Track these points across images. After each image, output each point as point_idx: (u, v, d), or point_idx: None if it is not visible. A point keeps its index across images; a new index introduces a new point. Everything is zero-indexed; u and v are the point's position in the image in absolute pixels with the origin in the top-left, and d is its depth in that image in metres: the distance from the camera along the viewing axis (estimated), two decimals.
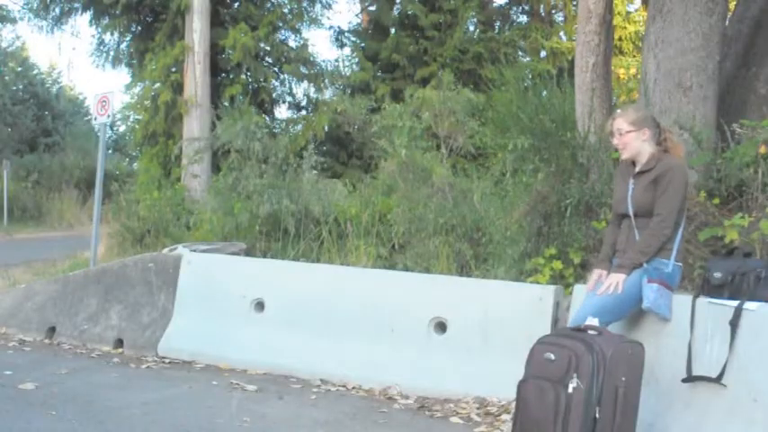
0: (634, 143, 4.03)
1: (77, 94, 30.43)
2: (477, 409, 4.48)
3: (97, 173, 8.53)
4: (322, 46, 59.09)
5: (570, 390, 3.37)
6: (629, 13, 16.14)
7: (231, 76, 14.75)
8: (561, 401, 3.38)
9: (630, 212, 4.00)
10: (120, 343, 5.95)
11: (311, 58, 15.38)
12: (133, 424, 4.11)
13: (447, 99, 8.76)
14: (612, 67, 7.95)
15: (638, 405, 3.52)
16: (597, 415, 3.35)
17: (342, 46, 17.25)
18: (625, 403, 3.42)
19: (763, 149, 5.08)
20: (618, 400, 3.40)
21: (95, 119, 8.76)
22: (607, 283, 3.90)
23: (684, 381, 3.72)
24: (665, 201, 3.88)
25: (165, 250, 6.53)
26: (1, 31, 24.86)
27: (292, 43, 15.77)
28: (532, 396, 3.48)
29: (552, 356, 3.46)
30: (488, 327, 4.77)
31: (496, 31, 16.88)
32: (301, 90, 15.90)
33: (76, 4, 15.13)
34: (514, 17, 17.79)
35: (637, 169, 4.05)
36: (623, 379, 3.42)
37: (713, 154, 5.49)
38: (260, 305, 5.60)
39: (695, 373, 3.69)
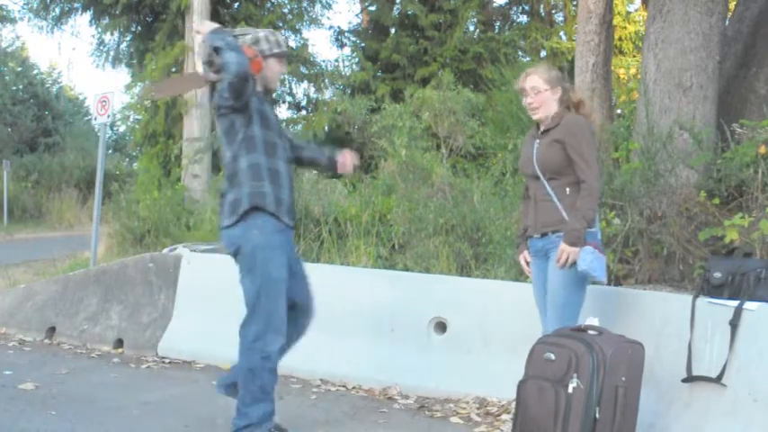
0: (549, 103, 3.86)
1: (77, 94, 30.45)
2: (477, 409, 4.48)
3: (97, 173, 8.52)
4: (322, 46, 59.10)
5: (570, 390, 3.36)
6: (629, 13, 16.13)
7: None
8: (561, 401, 3.37)
9: (539, 173, 3.84)
10: (120, 343, 5.95)
11: (311, 58, 15.39)
12: (133, 424, 4.11)
13: (447, 99, 8.75)
14: (612, 67, 7.95)
15: (638, 405, 3.51)
16: (597, 415, 3.34)
17: (342, 46, 17.26)
18: (625, 403, 3.40)
19: (763, 149, 5.08)
20: (618, 399, 3.39)
21: (95, 119, 8.76)
22: (564, 259, 3.70)
23: (684, 381, 3.72)
24: (584, 164, 3.71)
25: (165, 250, 6.53)
26: (1, 31, 24.89)
27: (292, 43, 15.77)
28: (532, 396, 3.48)
29: (552, 356, 3.46)
30: (488, 327, 4.77)
31: (496, 31, 16.89)
32: (301, 90, 15.92)
33: (76, 4, 15.13)
34: (514, 17, 17.79)
35: (542, 128, 3.92)
36: (623, 379, 3.40)
37: (713, 154, 5.49)
38: None
39: (695, 373, 3.69)
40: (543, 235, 3.84)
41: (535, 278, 3.96)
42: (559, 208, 3.77)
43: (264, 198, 3.65)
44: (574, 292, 3.76)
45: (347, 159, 4.11)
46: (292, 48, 15.36)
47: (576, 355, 3.39)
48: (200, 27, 3.76)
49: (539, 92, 3.86)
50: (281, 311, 3.70)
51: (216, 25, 3.80)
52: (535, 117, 3.92)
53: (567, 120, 3.85)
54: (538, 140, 3.91)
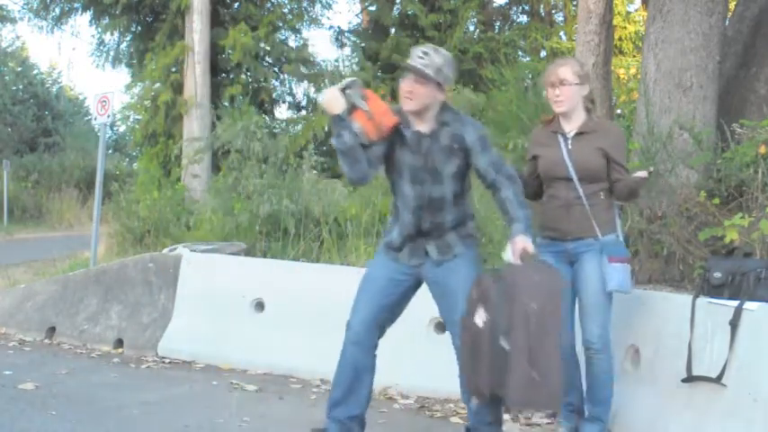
0: (575, 97, 3.77)
1: (77, 94, 30.44)
2: None
3: (97, 173, 8.53)
4: (322, 46, 59.12)
5: (481, 324, 3.28)
6: (629, 13, 16.14)
7: (231, 76, 14.74)
8: (473, 336, 3.30)
9: (573, 175, 3.73)
10: (120, 343, 5.94)
11: (311, 58, 15.38)
12: (133, 424, 4.11)
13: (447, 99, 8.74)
14: (612, 67, 7.95)
15: (563, 334, 3.35)
16: (507, 346, 3.19)
17: (342, 46, 17.25)
18: (539, 332, 3.19)
19: (763, 149, 5.08)
20: (531, 328, 3.19)
21: (95, 119, 8.76)
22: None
23: (684, 381, 3.72)
24: (626, 172, 3.75)
25: (165, 250, 6.53)
26: (1, 31, 24.89)
27: (292, 43, 15.77)
28: (463, 340, 3.44)
29: (474, 294, 3.39)
30: None
31: (496, 31, 16.89)
32: (301, 90, 15.90)
33: (76, 4, 15.12)
34: (514, 17, 17.79)
35: (572, 129, 3.80)
36: (534, 306, 3.23)
37: (713, 154, 5.49)
38: (260, 305, 5.59)
39: (695, 373, 3.69)
40: (576, 239, 3.76)
41: None
42: (589, 214, 3.72)
43: None
44: (610, 296, 3.76)
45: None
46: (292, 48, 15.37)
47: (483, 287, 3.32)
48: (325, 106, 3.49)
49: (568, 84, 3.77)
50: None
51: (337, 109, 3.40)
52: (559, 110, 3.81)
53: (608, 128, 3.85)
54: (569, 141, 3.80)
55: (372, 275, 3.68)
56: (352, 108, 3.39)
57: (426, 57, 3.45)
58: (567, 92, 3.77)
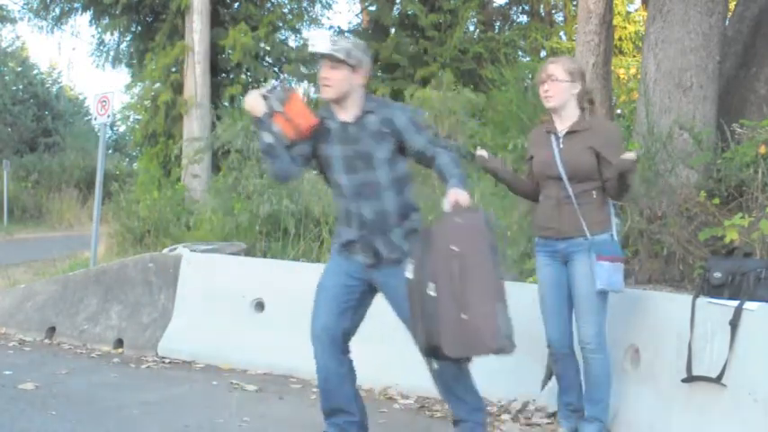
0: (564, 94, 3.77)
1: (77, 94, 30.46)
2: None
3: (97, 173, 8.53)
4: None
5: (410, 274, 3.27)
6: (629, 13, 16.14)
7: (231, 76, 14.75)
8: (406, 287, 3.31)
9: (563, 175, 3.74)
10: (120, 343, 5.94)
11: (311, 58, 15.38)
12: (133, 424, 4.11)
13: (447, 99, 8.77)
14: (612, 67, 7.96)
15: (492, 275, 3.24)
16: (433, 292, 3.16)
17: None
18: (463, 275, 3.15)
19: (763, 149, 5.08)
20: (454, 271, 3.16)
21: (95, 119, 8.77)
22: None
23: (684, 381, 3.72)
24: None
25: (165, 250, 6.54)
26: (1, 31, 24.89)
27: (292, 43, 15.79)
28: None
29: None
30: None
31: (496, 31, 16.89)
32: (301, 90, 15.90)
33: (76, 4, 15.13)
34: (514, 17, 17.80)
35: (563, 128, 3.81)
36: (456, 249, 3.18)
37: (713, 154, 5.49)
38: (260, 305, 5.59)
39: (695, 373, 3.68)
40: (566, 238, 3.76)
41: (547, 281, 3.88)
42: (578, 213, 3.71)
43: None
44: (604, 296, 3.75)
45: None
46: (292, 48, 15.36)
47: (412, 242, 3.35)
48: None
49: (556, 80, 3.78)
50: None
51: (258, 112, 3.52)
52: (548, 105, 3.83)
53: (602, 126, 3.81)
54: (560, 140, 3.81)
55: (325, 284, 3.68)
56: (272, 111, 3.51)
57: (334, 42, 3.52)
58: (555, 88, 3.78)
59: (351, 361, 3.73)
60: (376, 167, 3.50)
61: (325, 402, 3.68)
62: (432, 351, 3.31)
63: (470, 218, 3.27)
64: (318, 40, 3.52)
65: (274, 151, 3.52)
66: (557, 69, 3.80)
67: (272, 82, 3.66)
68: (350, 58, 3.47)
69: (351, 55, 3.48)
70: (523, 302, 4.33)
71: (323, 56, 3.49)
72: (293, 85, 15.74)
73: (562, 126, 3.83)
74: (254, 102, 3.53)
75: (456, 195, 3.30)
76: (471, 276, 3.17)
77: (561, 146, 3.80)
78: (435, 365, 3.52)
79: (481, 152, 4.01)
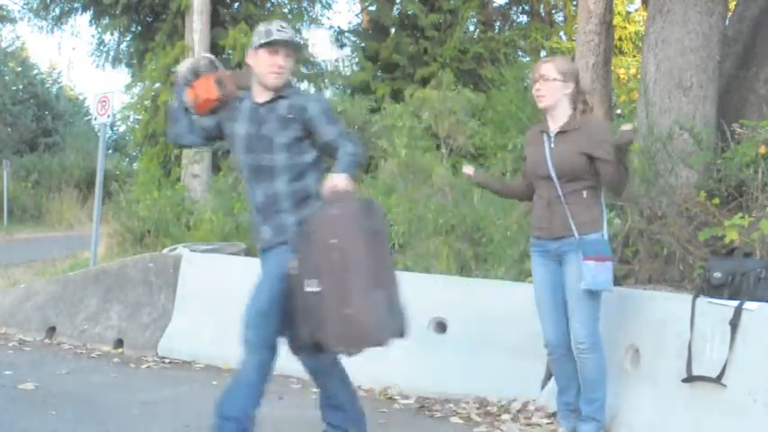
0: (556, 93, 3.78)
1: (77, 94, 30.46)
2: (477, 409, 4.47)
3: (97, 173, 8.53)
4: (322, 46, 59.08)
5: (294, 271, 3.27)
6: (629, 13, 16.15)
7: None
8: (288, 285, 3.30)
9: (553, 175, 3.75)
10: (120, 343, 5.95)
11: (311, 58, 15.39)
12: (133, 424, 4.12)
13: (447, 99, 8.77)
14: (612, 67, 7.96)
15: (372, 264, 3.20)
16: (315, 288, 3.16)
17: (342, 46, 17.26)
18: (344, 267, 3.13)
19: (763, 149, 5.08)
20: (334, 265, 3.14)
21: (95, 119, 8.77)
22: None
23: (684, 381, 3.72)
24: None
25: (165, 250, 6.54)
26: (1, 31, 24.89)
27: None
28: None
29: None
30: (488, 327, 4.77)
31: (496, 31, 16.89)
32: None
33: (76, 4, 15.12)
34: (514, 17, 17.81)
35: (555, 127, 3.82)
36: (333, 241, 3.15)
37: (713, 154, 5.49)
38: None
39: (695, 373, 3.69)
40: (557, 238, 3.77)
41: (542, 280, 3.89)
42: (567, 212, 3.72)
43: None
44: (596, 295, 3.75)
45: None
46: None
47: (292, 236, 3.37)
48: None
49: (548, 80, 3.79)
50: None
51: (180, 77, 3.70)
52: (540, 105, 3.84)
53: (590, 125, 3.80)
54: (552, 140, 3.82)
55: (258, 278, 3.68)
56: (187, 80, 3.70)
57: (287, 29, 3.56)
58: (547, 87, 3.79)
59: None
60: (274, 151, 3.49)
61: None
62: (316, 346, 3.31)
63: (346, 207, 3.21)
64: (281, 28, 3.54)
65: (175, 114, 3.72)
66: (549, 69, 3.81)
67: (207, 55, 3.79)
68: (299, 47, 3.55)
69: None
70: (523, 302, 4.34)
71: (285, 44, 3.50)
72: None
73: (554, 126, 3.85)
74: (182, 66, 3.74)
75: (334, 181, 3.27)
76: (351, 269, 3.14)
77: (552, 145, 3.81)
78: (311, 359, 3.52)
79: (467, 170, 4.09)
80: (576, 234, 3.71)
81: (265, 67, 3.48)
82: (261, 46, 3.48)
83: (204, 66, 3.71)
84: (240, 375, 3.54)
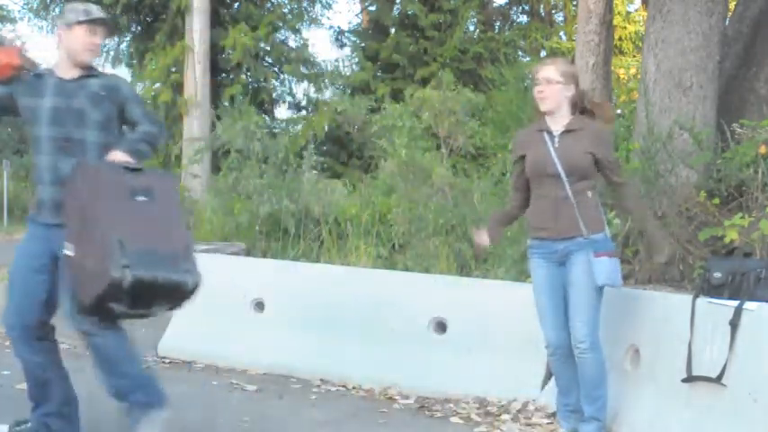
0: (558, 96, 3.80)
1: None
2: (477, 409, 4.47)
3: None
4: (322, 46, 59.09)
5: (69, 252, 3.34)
6: (629, 13, 16.16)
7: (231, 76, 14.76)
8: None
9: (561, 173, 3.75)
10: None
11: (311, 58, 15.40)
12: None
13: (447, 99, 8.76)
14: (612, 67, 7.96)
15: (105, 218, 3.30)
16: (71, 252, 3.27)
17: (342, 46, 17.28)
18: (84, 221, 3.27)
19: (763, 149, 5.09)
20: (77, 223, 3.29)
21: None
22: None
23: (684, 381, 3.72)
24: (617, 168, 3.89)
25: None
26: (1, 31, 24.87)
27: (292, 43, 15.79)
28: None
29: None
30: (488, 327, 4.77)
31: (496, 31, 16.90)
32: (301, 90, 15.91)
33: None
34: (514, 17, 17.82)
35: (559, 128, 3.83)
36: (76, 203, 3.29)
37: (713, 154, 5.50)
38: (260, 305, 5.59)
39: (695, 373, 3.68)
40: (565, 238, 3.77)
41: (544, 282, 3.87)
42: (576, 211, 3.74)
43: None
44: (599, 295, 3.78)
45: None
46: (292, 48, 15.33)
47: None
48: None
49: (550, 82, 3.80)
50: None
51: None
52: (543, 108, 3.85)
53: (596, 130, 3.84)
54: (555, 139, 3.81)
55: (13, 273, 3.65)
56: None
57: (93, 6, 3.65)
58: (549, 90, 3.81)
59: (50, 346, 3.80)
60: (87, 126, 3.53)
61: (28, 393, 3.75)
62: (84, 310, 3.37)
63: (96, 170, 3.36)
64: (92, 8, 3.63)
65: None
66: (551, 72, 3.82)
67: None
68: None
69: None
70: (523, 302, 4.35)
71: (103, 22, 3.60)
72: (293, 85, 15.76)
73: (557, 126, 3.85)
74: None
75: (114, 154, 3.40)
76: (89, 222, 3.26)
77: (557, 144, 3.81)
78: (95, 335, 3.57)
79: (481, 241, 4.11)
80: (585, 233, 3.73)
81: (81, 45, 3.54)
82: (79, 23, 3.54)
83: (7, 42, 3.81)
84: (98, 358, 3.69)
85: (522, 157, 3.94)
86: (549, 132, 3.85)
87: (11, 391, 4.59)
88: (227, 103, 13.20)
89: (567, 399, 3.95)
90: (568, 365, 3.88)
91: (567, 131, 3.82)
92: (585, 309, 3.74)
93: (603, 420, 3.85)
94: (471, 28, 16.36)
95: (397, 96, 12.02)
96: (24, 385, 4.69)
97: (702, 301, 3.80)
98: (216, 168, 12.05)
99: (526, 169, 3.92)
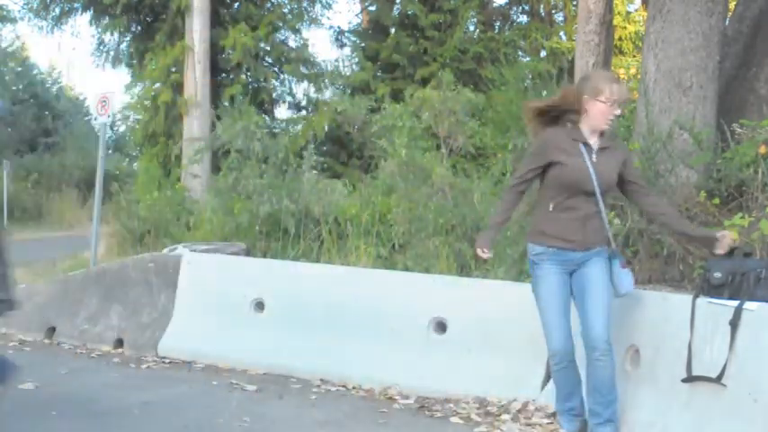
0: None
1: (77, 94, 30.45)
2: (477, 409, 4.47)
3: (97, 173, 8.53)
4: (322, 46, 59.11)
5: None
6: (629, 13, 16.15)
7: (231, 76, 14.75)
8: None
9: (597, 190, 3.77)
10: (120, 343, 5.94)
11: (311, 58, 15.39)
12: (133, 424, 4.11)
13: (447, 99, 8.75)
14: (612, 67, 7.96)
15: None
16: None
17: (342, 46, 17.26)
18: None
19: (763, 149, 5.09)
20: None
21: (96, 118, 8.78)
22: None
23: (684, 381, 3.72)
24: (646, 182, 4.05)
25: (165, 250, 6.54)
26: (1, 31, 24.88)
27: (292, 43, 15.78)
28: None
29: None
30: (488, 327, 4.77)
31: (496, 31, 16.88)
32: (301, 90, 15.89)
33: (76, 4, 15.13)
34: (514, 17, 17.78)
35: (597, 143, 3.82)
36: None
37: (713, 154, 5.49)
38: (260, 305, 5.59)
39: (695, 373, 3.69)
40: (588, 249, 3.83)
41: (555, 291, 3.85)
42: (606, 225, 3.86)
43: None
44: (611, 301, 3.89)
45: None
46: (292, 48, 15.35)
47: None
48: None
49: (621, 103, 3.90)
50: None
51: None
52: (606, 127, 3.85)
53: (624, 149, 4.01)
54: (593, 155, 3.80)
55: None
56: None
57: None
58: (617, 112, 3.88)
59: None
60: None
61: None
62: None
63: None
64: None
65: None
66: (626, 93, 3.97)
67: None
68: None
69: None
70: (523, 303, 4.34)
71: None
72: (293, 85, 15.76)
73: (595, 140, 3.85)
74: None
75: None
76: None
77: (594, 160, 3.81)
78: None
79: (483, 254, 4.06)
80: (612, 246, 3.89)
81: None
82: None
83: None
84: None
85: (553, 163, 3.83)
86: (587, 145, 3.82)
87: (12, 391, 4.57)
88: (227, 103, 13.19)
89: (572, 404, 3.95)
90: (573, 373, 3.90)
91: (603, 148, 3.86)
92: (605, 310, 3.79)
93: (617, 422, 3.86)
94: (471, 28, 16.34)
95: (397, 96, 12.00)
96: (26, 385, 4.70)
97: (702, 301, 3.80)
98: (216, 168, 12.03)
99: (554, 177, 3.83)
